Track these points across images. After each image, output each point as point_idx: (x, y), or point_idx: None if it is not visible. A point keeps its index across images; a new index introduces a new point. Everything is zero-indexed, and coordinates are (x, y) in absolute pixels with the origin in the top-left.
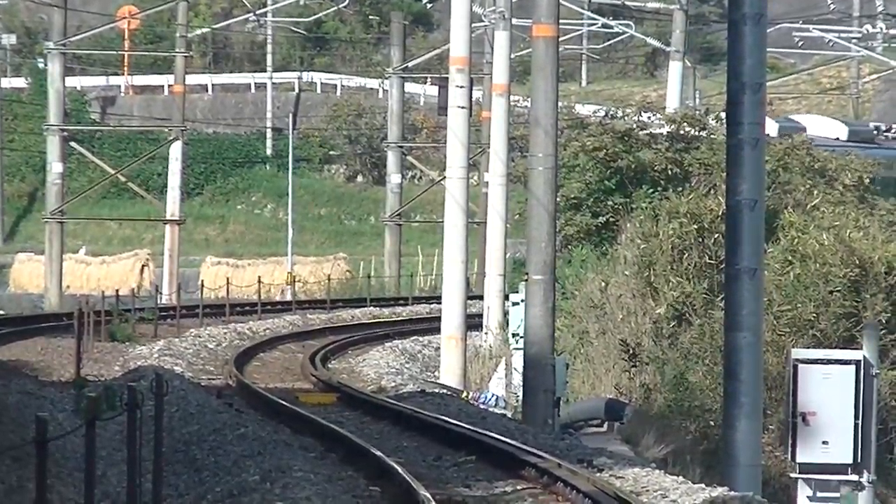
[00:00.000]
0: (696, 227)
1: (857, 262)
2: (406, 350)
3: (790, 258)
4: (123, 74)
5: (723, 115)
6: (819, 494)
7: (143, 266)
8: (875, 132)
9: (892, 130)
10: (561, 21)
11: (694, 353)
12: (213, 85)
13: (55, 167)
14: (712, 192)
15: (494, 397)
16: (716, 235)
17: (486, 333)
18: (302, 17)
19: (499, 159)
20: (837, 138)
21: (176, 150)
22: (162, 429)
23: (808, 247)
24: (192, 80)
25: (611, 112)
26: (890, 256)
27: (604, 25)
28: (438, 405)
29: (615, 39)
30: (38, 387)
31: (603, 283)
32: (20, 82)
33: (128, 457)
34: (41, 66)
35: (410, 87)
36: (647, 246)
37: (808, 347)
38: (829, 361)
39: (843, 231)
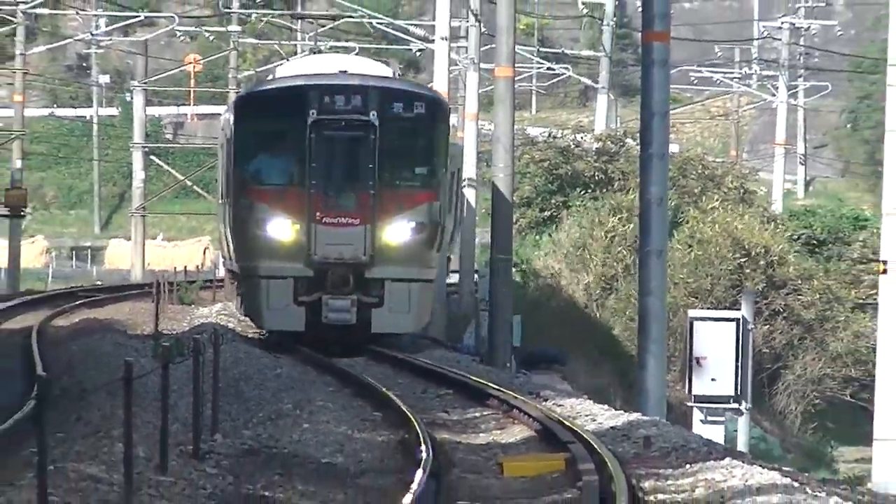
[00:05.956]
0: (627, 216)
1: (743, 247)
2: None
3: (690, 243)
4: (190, 105)
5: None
6: (709, 419)
7: (204, 249)
8: None
9: None
10: (516, 64)
11: (618, 311)
12: None
13: (139, 175)
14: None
15: (468, 347)
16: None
17: (461, 298)
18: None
19: (471, 168)
20: None
21: None
22: (219, 370)
23: (704, 234)
24: None
25: (553, 133)
26: (765, 241)
27: (548, 68)
28: (425, 353)
29: (557, 79)
30: (126, 339)
31: (550, 261)
32: (112, 111)
33: (193, 390)
34: (128, 99)
35: None
36: (581, 234)
37: (706, 310)
38: (717, 319)
39: (731, 224)
